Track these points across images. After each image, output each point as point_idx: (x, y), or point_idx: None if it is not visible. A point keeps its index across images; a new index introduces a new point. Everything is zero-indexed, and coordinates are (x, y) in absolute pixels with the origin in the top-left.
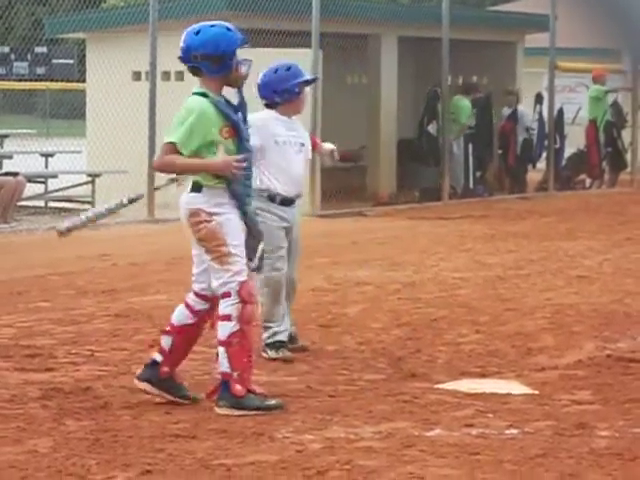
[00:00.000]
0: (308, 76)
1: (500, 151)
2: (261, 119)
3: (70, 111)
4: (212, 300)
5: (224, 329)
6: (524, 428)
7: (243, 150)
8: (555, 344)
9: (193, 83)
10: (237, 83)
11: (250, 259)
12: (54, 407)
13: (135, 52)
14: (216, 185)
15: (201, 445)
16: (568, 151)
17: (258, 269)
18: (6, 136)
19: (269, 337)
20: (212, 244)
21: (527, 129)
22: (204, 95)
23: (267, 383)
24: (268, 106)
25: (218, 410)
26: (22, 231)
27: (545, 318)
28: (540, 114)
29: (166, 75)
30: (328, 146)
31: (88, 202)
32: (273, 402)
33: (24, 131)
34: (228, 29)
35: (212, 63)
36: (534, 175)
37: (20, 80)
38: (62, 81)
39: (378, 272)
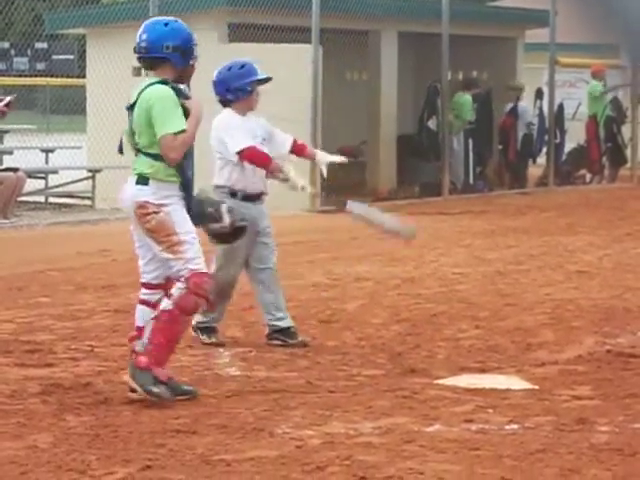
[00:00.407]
0: (261, 75)
1: (500, 146)
2: (228, 118)
3: (70, 107)
4: (166, 286)
5: (162, 304)
6: (524, 423)
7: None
8: (555, 339)
9: (193, 78)
10: (189, 77)
11: (216, 220)
12: (54, 402)
13: None
14: (165, 179)
15: (201, 440)
16: (568, 146)
17: (232, 225)
18: (6, 131)
19: (201, 322)
20: (162, 234)
21: (528, 124)
22: (165, 82)
23: (267, 378)
24: (222, 103)
25: (124, 376)
26: (22, 227)
27: (545, 313)
28: (540, 109)
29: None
30: (327, 158)
31: (88, 198)
32: (157, 390)
33: (24, 127)
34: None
35: (181, 54)
36: (534, 170)
37: (20, 76)
38: (62, 77)
39: (378, 267)
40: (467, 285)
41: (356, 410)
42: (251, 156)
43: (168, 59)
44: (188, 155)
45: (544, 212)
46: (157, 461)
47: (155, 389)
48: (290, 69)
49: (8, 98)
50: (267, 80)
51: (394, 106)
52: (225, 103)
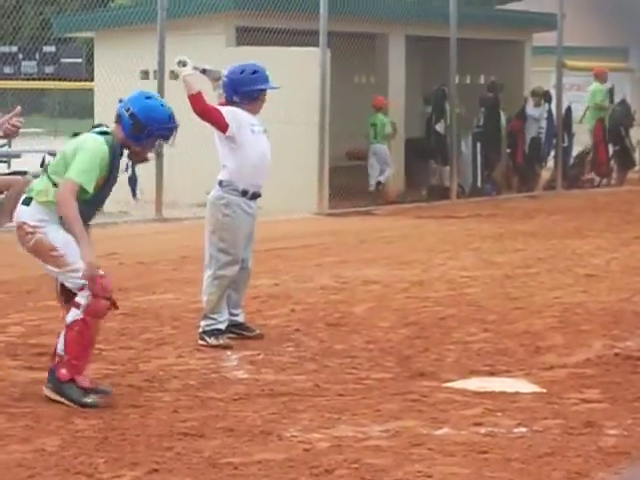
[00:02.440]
0: (271, 84)
1: (508, 150)
2: (234, 110)
3: (78, 110)
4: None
5: (71, 315)
6: (532, 426)
7: (96, 199)
8: (564, 343)
9: (201, 82)
10: (137, 159)
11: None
12: (62, 406)
13: (143, 51)
14: (48, 201)
15: (208, 444)
16: (576, 149)
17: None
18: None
19: (208, 325)
20: (45, 254)
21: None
22: (105, 133)
23: (275, 382)
24: (227, 102)
25: (45, 390)
26: None
27: (553, 317)
28: (549, 112)
29: (174, 74)
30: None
31: None
32: (90, 400)
33: (32, 130)
34: (170, 119)
35: (134, 126)
36: (542, 173)
37: (28, 79)
38: (70, 80)
39: (386, 271)
40: (476, 288)
41: (364, 413)
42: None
43: (120, 118)
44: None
45: (552, 215)
46: (164, 464)
47: (88, 400)
48: (298, 72)
49: (14, 112)
50: (272, 88)
51: (402, 109)
52: (230, 103)
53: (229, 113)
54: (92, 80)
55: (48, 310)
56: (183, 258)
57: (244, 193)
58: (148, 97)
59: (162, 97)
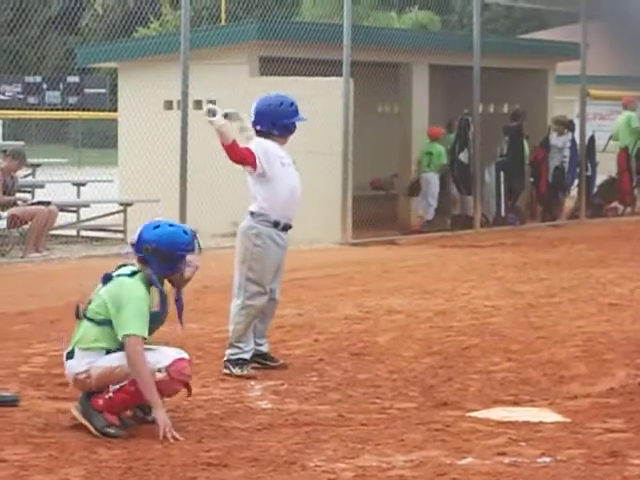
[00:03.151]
0: (302, 117)
1: (532, 179)
2: (265, 147)
3: (102, 140)
4: None
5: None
6: (556, 456)
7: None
8: (587, 372)
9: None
10: (179, 284)
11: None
12: (86, 436)
13: (167, 81)
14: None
15: (232, 474)
16: (600, 178)
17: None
18: (38, 165)
19: (233, 354)
20: (111, 379)
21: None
22: (135, 273)
23: (299, 411)
24: (260, 133)
25: (72, 410)
26: (54, 260)
27: (577, 346)
28: (573, 141)
29: (198, 104)
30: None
31: (120, 231)
32: (112, 431)
33: (56, 160)
34: (185, 232)
35: (160, 260)
36: (566, 202)
37: (52, 109)
38: (94, 110)
39: (409, 300)
40: (499, 318)
41: (388, 443)
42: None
43: (144, 260)
44: None
45: (576, 244)
46: None
47: (111, 430)
48: (322, 102)
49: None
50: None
51: (425, 139)
52: (265, 135)
53: (260, 151)
54: (116, 110)
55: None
56: (206, 288)
57: (276, 224)
58: (156, 226)
59: (186, 127)
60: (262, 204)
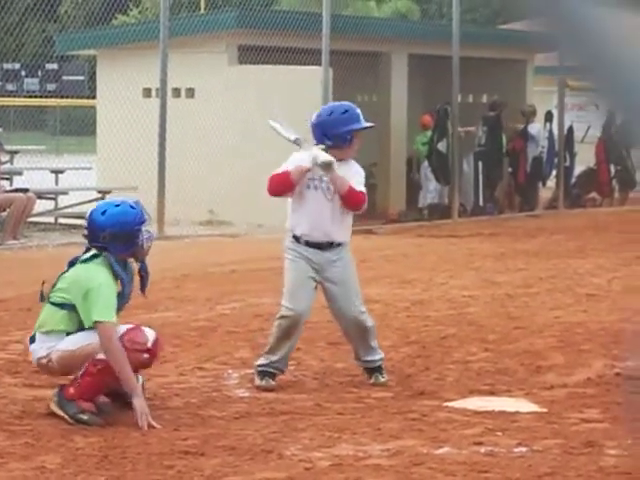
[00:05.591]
0: (364, 123)
1: (510, 169)
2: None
3: (80, 127)
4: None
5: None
6: (533, 446)
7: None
8: (564, 362)
9: (203, 100)
10: (142, 256)
11: None
12: (62, 424)
13: (145, 69)
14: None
15: (209, 462)
16: (578, 169)
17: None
18: (16, 152)
19: (260, 365)
20: (74, 361)
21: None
22: (95, 256)
23: (276, 400)
24: (329, 147)
25: (51, 405)
26: (32, 247)
27: (554, 336)
28: (550, 132)
29: (176, 92)
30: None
31: None
32: (86, 417)
33: (34, 147)
34: (132, 207)
35: (120, 242)
36: (544, 193)
37: (31, 96)
38: (72, 97)
39: (387, 290)
40: (476, 308)
41: (365, 432)
42: (271, 180)
43: (106, 248)
44: None
45: (554, 235)
46: None
47: (84, 416)
48: (300, 91)
49: None
50: (369, 128)
51: (404, 128)
52: (328, 148)
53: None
54: (94, 97)
55: None
56: (185, 276)
57: (297, 239)
58: (103, 211)
59: (164, 115)
60: (291, 219)
